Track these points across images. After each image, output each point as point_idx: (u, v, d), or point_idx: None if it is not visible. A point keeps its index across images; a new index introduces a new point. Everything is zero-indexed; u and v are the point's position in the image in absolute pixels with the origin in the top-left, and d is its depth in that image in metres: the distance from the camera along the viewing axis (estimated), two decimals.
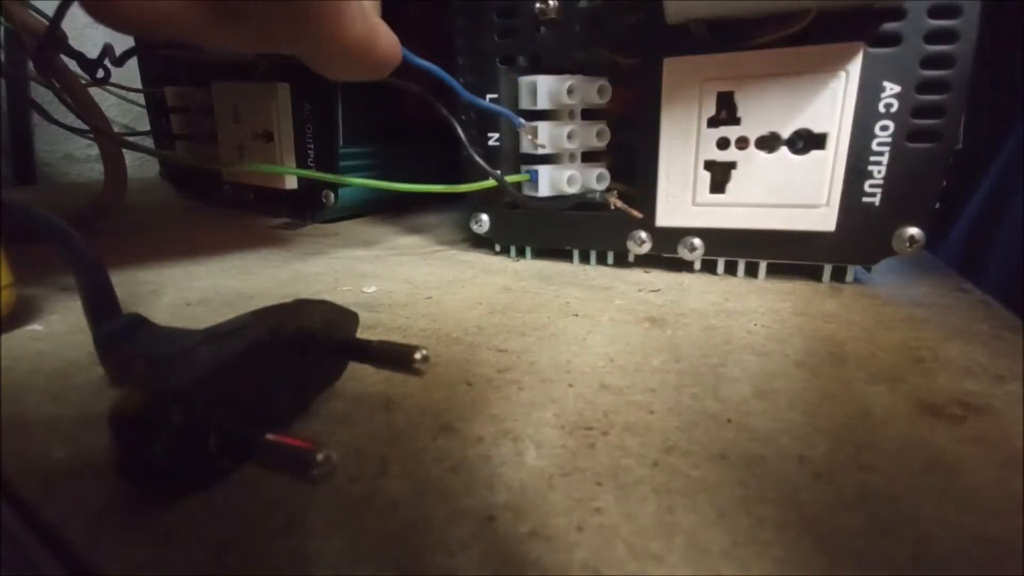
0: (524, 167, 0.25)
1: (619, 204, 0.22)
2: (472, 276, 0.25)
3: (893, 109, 0.20)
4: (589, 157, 0.26)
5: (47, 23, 0.29)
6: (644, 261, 0.26)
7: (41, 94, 0.31)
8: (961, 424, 0.13)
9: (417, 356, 0.12)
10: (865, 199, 0.21)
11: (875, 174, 0.21)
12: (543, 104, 0.23)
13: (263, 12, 0.14)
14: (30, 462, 0.12)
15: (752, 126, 0.22)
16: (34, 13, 0.30)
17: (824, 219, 0.22)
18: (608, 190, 0.23)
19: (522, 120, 0.24)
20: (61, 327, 0.19)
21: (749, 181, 0.22)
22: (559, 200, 0.24)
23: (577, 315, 0.20)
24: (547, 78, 0.23)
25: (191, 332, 0.13)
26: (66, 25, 0.31)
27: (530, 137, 0.24)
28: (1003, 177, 0.26)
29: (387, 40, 0.17)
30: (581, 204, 0.26)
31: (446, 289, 0.23)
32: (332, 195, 0.34)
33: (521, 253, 0.28)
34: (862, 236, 0.22)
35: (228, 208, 0.40)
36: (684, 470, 0.12)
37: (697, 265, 0.25)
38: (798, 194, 0.22)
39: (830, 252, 0.22)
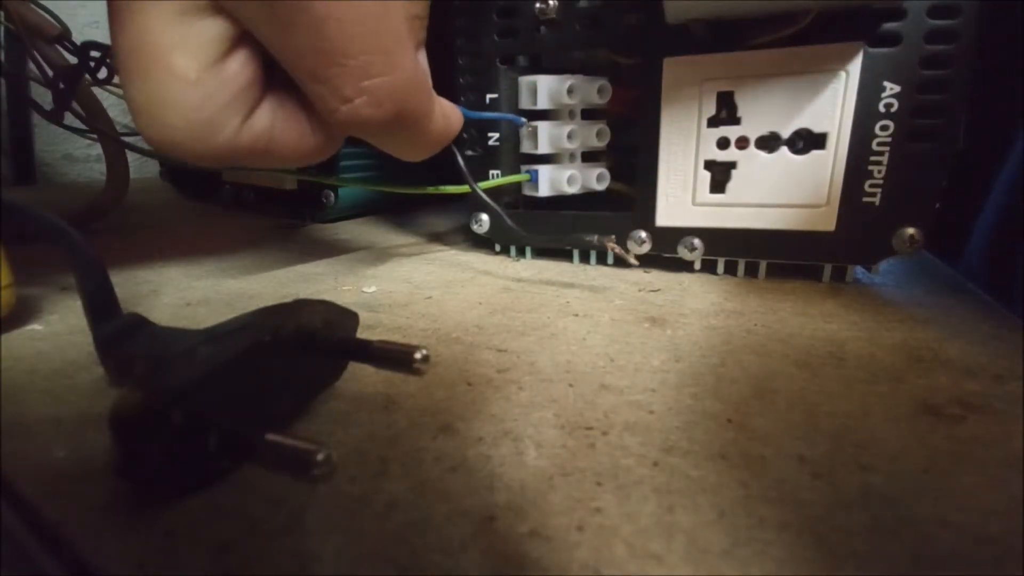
0: (524, 167, 0.25)
1: (617, 250, 0.23)
2: (472, 276, 0.25)
3: (893, 109, 0.20)
4: (589, 157, 0.26)
5: (49, 18, 0.29)
6: (644, 261, 0.26)
7: (41, 94, 0.31)
8: (961, 424, 0.13)
9: (417, 356, 0.12)
10: (865, 199, 0.21)
11: (875, 174, 0.21)
12: (543, 104, 0.23)
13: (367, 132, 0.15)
14: (30, 462, 0.12)
15: (752, 126, 0.22)
16: (36, 7, 0.30)
17: (824, 219, 0.22)
18: (606, 236, 0.23)
19: (523, 119, 0.24)
20: (61, 327, 0.19)
21: (749, 181, 0.22)
22: (550, 236, 0.24)
23: (577, 315, 0.20)
24: (547, 78, 0.23)
25: (191, 332, 0.13)
26: (68, 23, 0.31)
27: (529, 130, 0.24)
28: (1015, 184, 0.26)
29: (455, 119, 0.18)
30: (580, 204, 0.26)
31: (446, 289, 0.23)
32: (332, 195, 0.34)
33: (521, 253, 0.28)
34: (862, 236, 0.22)
35: (228, 208, 0.40)
36: (684, 470, 0.12)
37: (697, 265, 0.25)
38: (798, 194, 0.22)
39: (830, 252, 0.22)
